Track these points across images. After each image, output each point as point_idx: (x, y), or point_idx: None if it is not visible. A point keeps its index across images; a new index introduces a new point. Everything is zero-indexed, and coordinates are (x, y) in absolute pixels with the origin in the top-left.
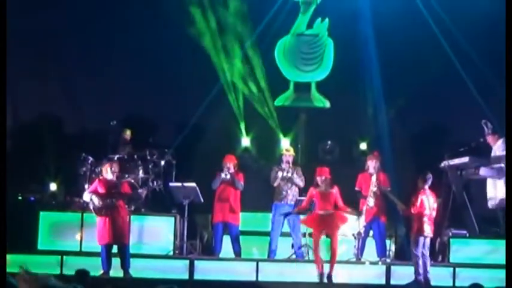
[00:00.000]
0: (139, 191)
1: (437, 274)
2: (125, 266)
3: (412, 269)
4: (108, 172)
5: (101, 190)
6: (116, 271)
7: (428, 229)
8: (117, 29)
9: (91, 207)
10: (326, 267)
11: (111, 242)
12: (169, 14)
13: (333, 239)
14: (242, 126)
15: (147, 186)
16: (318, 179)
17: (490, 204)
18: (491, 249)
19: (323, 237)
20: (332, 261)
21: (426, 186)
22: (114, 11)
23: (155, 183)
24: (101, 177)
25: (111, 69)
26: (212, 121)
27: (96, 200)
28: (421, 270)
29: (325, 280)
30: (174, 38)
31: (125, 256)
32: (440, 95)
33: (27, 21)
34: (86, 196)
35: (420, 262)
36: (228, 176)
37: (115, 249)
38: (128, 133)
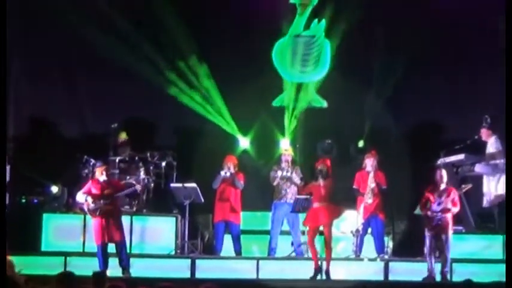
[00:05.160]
0: (137, 187)
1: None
2: (122, 264)
3: (411, 265)
4: (101, 174)
5: (95, 191)
6: (117, 270)
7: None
8: (117, 31)
9: (85, 208)
10: (323, 264)
11: (106, 241)
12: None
13: (327, 234)
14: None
15: (144, 182)
16: (316, 168)
17: (486, 200)
18: (487, 245)
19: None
20: (328, 256)
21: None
22: (115, 13)
23: (150, 180)
24: (94, 179)
25: (112, 71)
26: (213, 122)
27: (90, 201)
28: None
29: (324, 276)
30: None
31: (121, 254)
32: (436, 93)
33: (30, 23)
34: (80, 197)
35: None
36: (228, 174)
37: (112, 249)
38: (123, 136)
